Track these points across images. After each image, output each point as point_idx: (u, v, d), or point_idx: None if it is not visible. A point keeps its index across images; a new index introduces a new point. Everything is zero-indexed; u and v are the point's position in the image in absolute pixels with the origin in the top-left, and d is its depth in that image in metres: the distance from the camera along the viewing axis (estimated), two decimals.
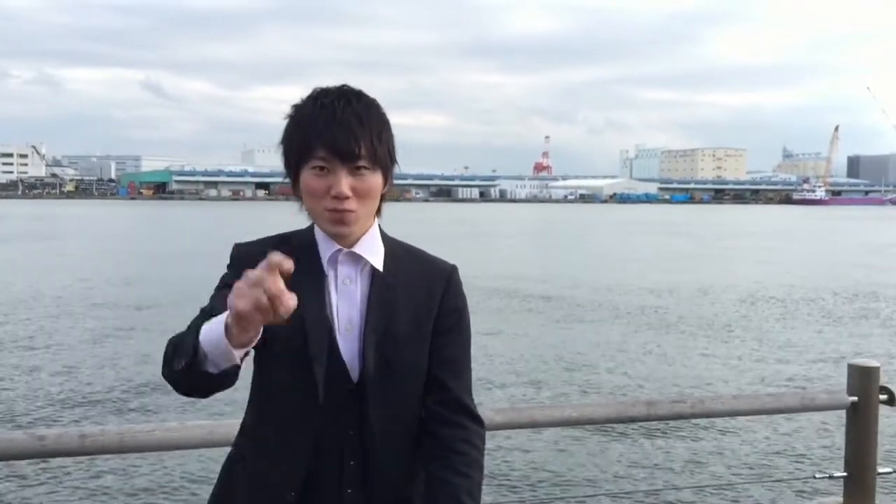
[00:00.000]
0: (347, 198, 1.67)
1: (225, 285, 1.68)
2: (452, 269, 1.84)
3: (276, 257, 1.34)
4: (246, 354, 1.51)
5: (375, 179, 1.71)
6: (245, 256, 1.73)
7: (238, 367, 1.50)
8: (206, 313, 1.59)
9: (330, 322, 1.72)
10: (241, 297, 1.35)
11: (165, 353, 1.58)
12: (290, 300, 1.35)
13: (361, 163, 1.68)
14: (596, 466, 8.39)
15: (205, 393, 1.57)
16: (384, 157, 1.72)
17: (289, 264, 1.35)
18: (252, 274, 1.35)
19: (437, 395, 1.79)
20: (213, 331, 1.47)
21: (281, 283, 1.35)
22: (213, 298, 1.69)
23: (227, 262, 1.79)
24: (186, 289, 20.59)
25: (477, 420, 1.82)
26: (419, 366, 1.78)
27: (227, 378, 1.51)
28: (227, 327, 1.43)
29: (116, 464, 8.07)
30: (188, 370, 1.50)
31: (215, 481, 1.88)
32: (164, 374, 1.58)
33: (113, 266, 28.76)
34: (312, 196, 1.70)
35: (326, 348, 1.71)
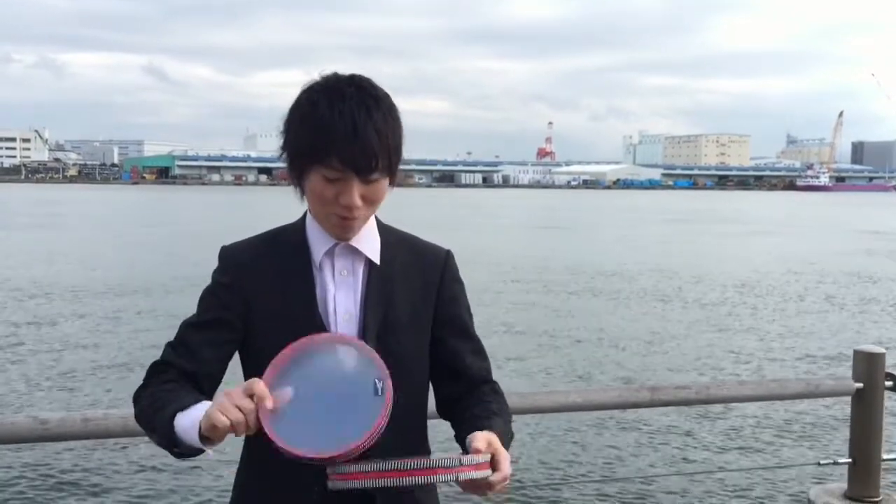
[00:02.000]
0: (357, 207, 1.66)
1: (215, 288, 1.75)
2: (447, 255, 1.83)
3: (260, 391, 1.48)
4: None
5: (385, 185, 1.69)
6: (232, 258, 1.74)
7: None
8: (193, 326, 1.73)
9: (320, 315, 1.72)
10: (222, 415, 1.47)
11: (141, 411, 1.68)
12: (251, 428, 1.50)
13: (375, 175, 1.65)
14: (599, 452, 8.40)
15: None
16: (396, 164, 1.69)
17: (269, 403, 1.48)
18: (239, 400, 1.47)
19: (463, 383, 1.82)
20: (186, 428, 1.55)
21: (272, 403, 1.50)
22: (201, 310, 1.76)
23: (217, 263, 1.78)
24: (189, 272, 20.61)
25: (500, 388, 1.88)
26: (419, 353, 1.78)
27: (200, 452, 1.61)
28: (200, 426, 1.52)
29: (120, 448, 8.09)
30: (168, 449, 1.61)
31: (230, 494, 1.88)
32: (138, 423, 1.70)
33: (115, 250, 28.79)
34: (320, 201, 1.67)
35: None
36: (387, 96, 1.69)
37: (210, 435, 1.51)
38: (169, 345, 1.75)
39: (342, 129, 1.59)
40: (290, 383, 1.54)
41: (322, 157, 1.61)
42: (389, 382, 1.53)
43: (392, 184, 1.72)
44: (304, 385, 1.55)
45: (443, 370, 1.82)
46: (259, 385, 1.48)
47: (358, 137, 1.59)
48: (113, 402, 10.04)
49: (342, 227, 1.69)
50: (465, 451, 1.61)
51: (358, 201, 1.64)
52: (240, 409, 1.47)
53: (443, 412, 1.87)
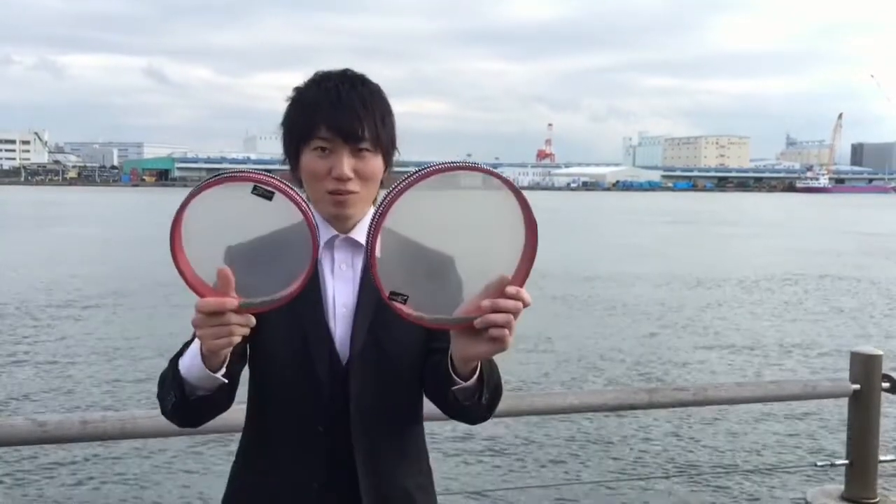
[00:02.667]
0: (349, 179, 1.69)
1: None
2: (449, 260, 1.78)
3: (222, 272, 1.46)
4: (228, 370, 1.59)
5: (377, 162, 1.73)
6: (239, 258, 1.68)
7: (226, 384, 1.60)
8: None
9: (323, 306, 1.73)
10: (202, 333, 1.47)
11: (158, 394, 1.68)
12: (248, 320, 1.48)
13: (364, 145, 1.69)
14: (596, 455, 8.40)
15: (207, 419, 1.68)
16: (386, 141, 1.73)
17: (234, 302, 1.45)
18: (205, 304, 1.45)
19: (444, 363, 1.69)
20: (190, 363, 1.57)
21: (233, 303, 1.45)
22: None
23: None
24: None
25: None
26: (411, 347, 1.77)
27: (222, 398, 1.63)
28: (202, 354, 1.54)
29: (118, 450, 8.09)
30: (183, 403, 1.61)
31: (224, 491, 1.87)
32: (163, 414, 1.68)
33: (115, 252, 28.77)
34: (313, 177, 1.71)
35: (324, 331, 1.72)
36: (375, 84, 1.76)
37: (213, 359, 1.54)
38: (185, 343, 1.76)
39: (327, 100, 1.69)
40: (218, 259, 1.51)
41: (311, 129, 1.69)
42: (260, 177, 1.44)
43: (387, 167, 1.75)
44: (231, 253, 1.54)
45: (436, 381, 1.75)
46: (205, 304, 1.44)
47: (342, 103, 1.68)
48: (111, 404, 10.05)
49: (337, 204, 1.71)
50: (452, 366, 1.61)
51: (349, 171, 1.68)
52: (217, 327, 1.46)
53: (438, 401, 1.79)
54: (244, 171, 1.45)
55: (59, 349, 13.18)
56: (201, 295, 1.46)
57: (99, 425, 2.70)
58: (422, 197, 1.45)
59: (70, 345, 13.54)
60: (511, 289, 1.46)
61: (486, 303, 1.46)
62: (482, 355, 1.55)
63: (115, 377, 11.46)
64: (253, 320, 1.49)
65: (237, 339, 1.48)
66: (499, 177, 1.45)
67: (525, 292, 1.47)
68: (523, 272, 1.48)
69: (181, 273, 1.47)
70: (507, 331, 1.47)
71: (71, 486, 7.47)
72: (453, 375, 1.62)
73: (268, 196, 1.43)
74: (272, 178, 1.45)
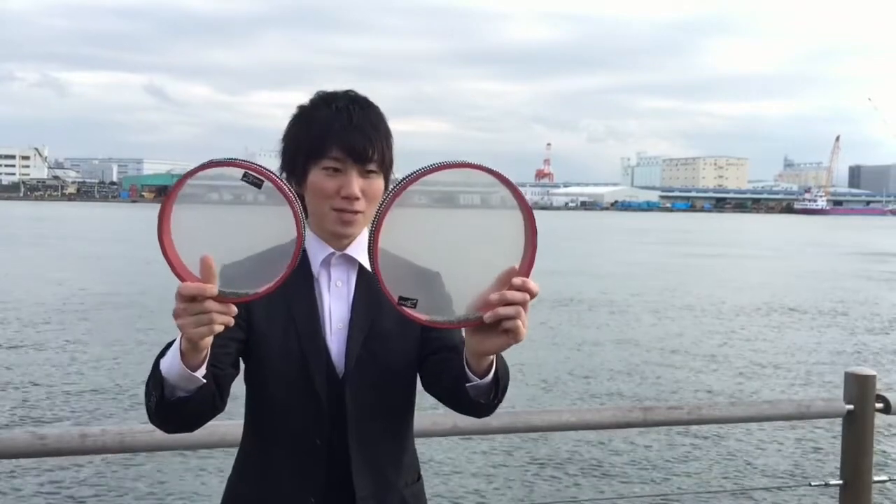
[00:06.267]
0: (358, 199, 1.73)
1: None
2: (435, 276, 1.84)
3: (205, 259, 1.42)
4: (211, 371, 1.57)
5: (381, 183, 1.78)
6: (236, 277, 1.67)
7: (207, 387, 1.56)
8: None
9: (320, 322, 1.77)
10: (182, 322, 1.43)
11: (144, 395, 1.64)
12: (229, 309, 1.44)
13: (372, 166, 1.74)
14: (592, 472, 8.40)
15: (192, 422, 1.64)
16: (389, 163, 1.79)
17: (213, 289, 1.41)
18: (185, 288, 1.42)
19: (456, 363, 1.69)
20: (171, 361, 1.53)
21: (212, 289, 1.41)
22: None
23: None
24: None
25: None
26: (405, 359, 1.82)
27: (204, 401, 1.58)
28: (181, 351, 1.51)
29: (117, 464, 8.09)
30: (163, 403, 1.56)
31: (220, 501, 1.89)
32: (150, 420, 1.64)
33: (113, 267, 28.75)
34: (322, 195, 1.74)
35: (322, 346, 1.76)
36: (377, 105, 1.82)
37: (193, 356, 1.50)
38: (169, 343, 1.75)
39: (339, 121, 1.73)
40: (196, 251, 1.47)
41: (322, 150, 1.72)
42: (251, 165, 1.42)
43: (386, 187, 1.79)
44: (212, 244, 1.53)
45: (439, 361, 1.79)
46: (185, 287, 1.42)
47: (354, 126, 1.73)
48: (111, 419, 10.03)
49: (342, 222, 1.75)
50: (468, 365, 1.62)
51: (358, 192, 1.72)
52: (197, 315, 1.42)
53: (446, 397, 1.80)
54: (236, 159, 1.44)
55: (60, 364, 13.16)
56: (183, 281, 1.44)
57: (98, 439, 2.70)
58: (411, 215, 1.47)
59: (70, 360, 13.52)
60: (517, 279, 1.46)
61: (494, 296, 1.46)
62: (498, 348, 1.55)
63: (115, 391, 11.44)
64: (234, 310, 1.45)
65: (218, 328, 1.44)
66: (487, 170, 1.45)
67: (531, 282, 1.47)
68: (527, 263, 1.48)
69: (167, 258, 1.45)
70: (519, 322, 1.47)
71: (69, 499, 7.46)
72: (468, 372, 1.63)
73: (257, 184, 1.42)
74: (263, 169, 1.43)
